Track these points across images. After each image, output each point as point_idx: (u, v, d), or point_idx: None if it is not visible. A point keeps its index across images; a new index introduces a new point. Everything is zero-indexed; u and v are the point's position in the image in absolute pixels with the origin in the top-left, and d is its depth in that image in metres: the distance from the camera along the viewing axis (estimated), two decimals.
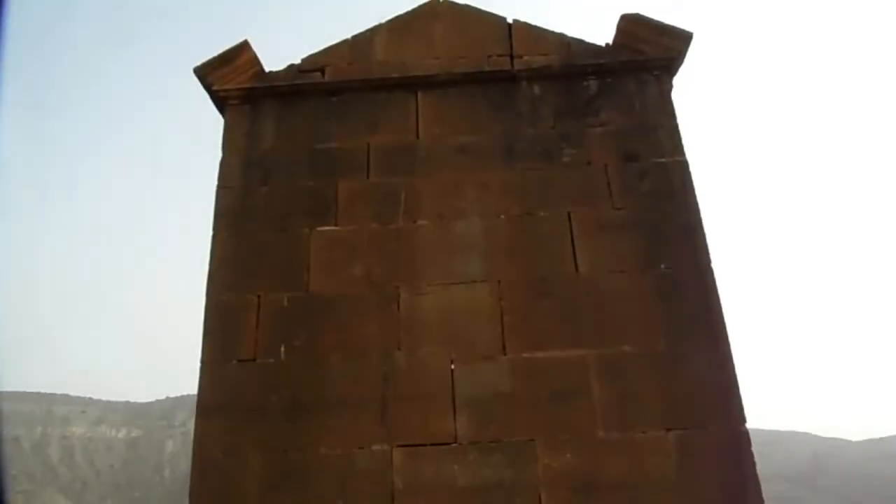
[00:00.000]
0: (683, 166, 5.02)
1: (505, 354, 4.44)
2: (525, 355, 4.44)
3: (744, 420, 4.33)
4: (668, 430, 4.26)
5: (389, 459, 4.19)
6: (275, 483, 4.21)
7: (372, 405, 4.33)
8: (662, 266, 4.69)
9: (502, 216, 4.87)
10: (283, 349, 4.54)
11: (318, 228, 4.90)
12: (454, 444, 4.22)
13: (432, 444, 4.22)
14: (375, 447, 4.24)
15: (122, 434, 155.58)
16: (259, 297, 4.71)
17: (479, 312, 4.55)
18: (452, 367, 4.41)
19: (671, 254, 4.72)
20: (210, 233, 4.99)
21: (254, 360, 4.54)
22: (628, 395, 4.33)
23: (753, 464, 4.24)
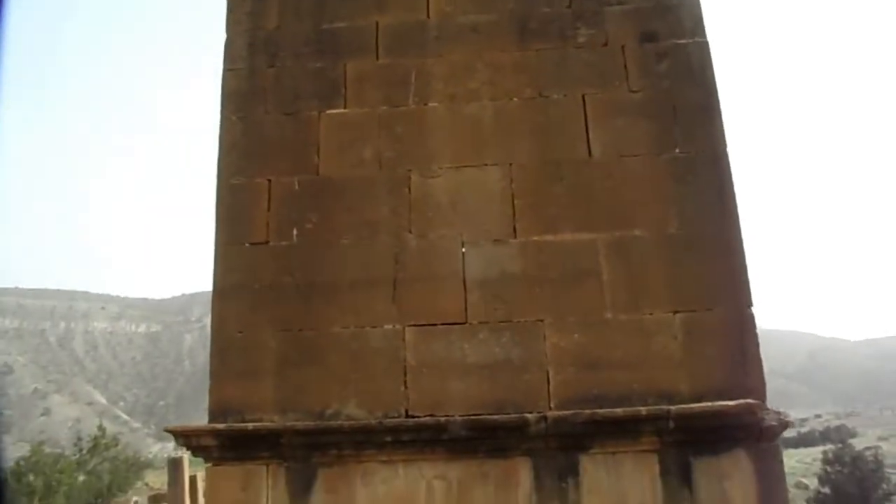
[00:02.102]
0: (703, 48, 4.82)
1: (515, 237, 4.46)
2: (535, 238, 4.46)
3: (750, 303, 4.39)
4: (676, 312, 4.34)
5: (401, 338, 4.32)
6: (291, 360, 4.37)
7: (384, 286, 4.41)
8: (677, 150, 4.61)
9: (515, 98, 4.75)
10: (295, 232, 4.58)
11: (328, 111, 4.80)
12: (464, 324, 4.33)
13: (443, 324, 4.33)
14: (388, 326, 4.36)
15: (142, 329, 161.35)
16: (269, 181, 4.70)
17: (491, 195, 4.54)
18: (463, 249, 4.45)
19: (687, 137, 4.63)
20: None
21: (266, 243, 4.59)
22: (637, 278, 4.38)
23: (757, 345, 4.33)
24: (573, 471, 4.09)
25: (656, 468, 4.10)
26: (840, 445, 17.27)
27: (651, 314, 4.33)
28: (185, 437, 4.26)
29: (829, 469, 16.07)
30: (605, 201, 4.53)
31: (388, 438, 4.06)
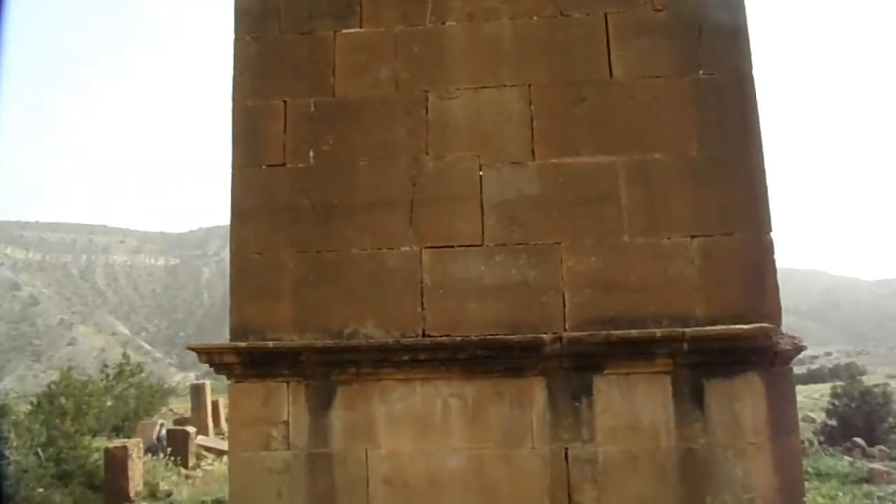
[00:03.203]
0: None
1: (534, 159, 4.41)
2: (554, 160, 4.40)
3: (770, 229, 4.35)
4: (694, 236, 4.31)
5: (418, 259, 4.35)
6: (309, 281, 4.42)
7: (401, 208, 4.41)
8: (701, 72, 4.47)
9: (535, 17, 4.59)
10: (311, 154, 4.55)
11: (343, 31, 4.69)
12: (481, 246, 4.34)
13: (460, 246, 4.35)
14: (405, 248, 4.38)
15: (160, 262, 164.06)
16: (285, 102, 4.65)
17: (509, 117, 4.46)
18: (481, 171, 4.41)
19: (711, 59, 4.48)
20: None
21: (283, 164, 4.58)
22: (656, 201, 4.34)
23: (775, 271, 4.32)
24: (587, 391, 4.18)
25: (669, 389, 4.17)
26: (849, 381, 17.40)
27: (669, 238, 4.31)
28: (207, 355, 4.37)
29: (836, 403, 16.24)
30: (625, 123, 4.44)
31: (406, 357, 4.15)
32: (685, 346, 4.06)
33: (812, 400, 19.69)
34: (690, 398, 4.16)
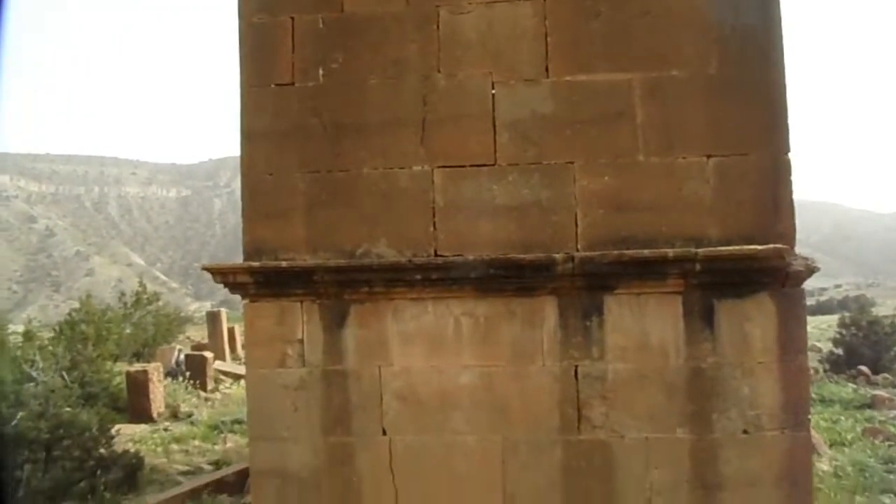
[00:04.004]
0: None
1: (548, 76, 4.29)
2: (568, 78, 4.29)
3: (787, 150, 4.26)
4: (709, 156, 4.23)
5: (430, 179, 4.32)
6: (320, 201, 4.41)
7: (412, 127, 4.34)
8: None
9: None
10: (320, 72, 4.46)
11: None
12: (493, 166, 4.29)
13: (472, 165, 4.30)
14: (416, 167, 4.34)
15: (172, 194, 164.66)
16: (293, 18, 4.51)
17: (523, 32, 4.32)
18: (493, 89, 4.31)
19: None
20: None
21: (292, 84, 4.49)
22: (672, 120, 4.25)
23: (791, 192, 4.26)
24: (598, 310, 4.21)
25: (680, 309, 4.19)
26: (858, 312, 17.44)
27: (684, 158, 4.24)
28: (221, 275, 4.42)
29: (843, 332, 16.31)
30: (642, 40, 4.30)
31: (418, 276, 4.18)
32: (697, 266, 4.06)
33: (819, 330, 19.80)
34: (700, 318, 4.19)
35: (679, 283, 4.15)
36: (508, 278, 4.16)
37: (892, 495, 6.29)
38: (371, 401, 4.31)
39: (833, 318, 20.50)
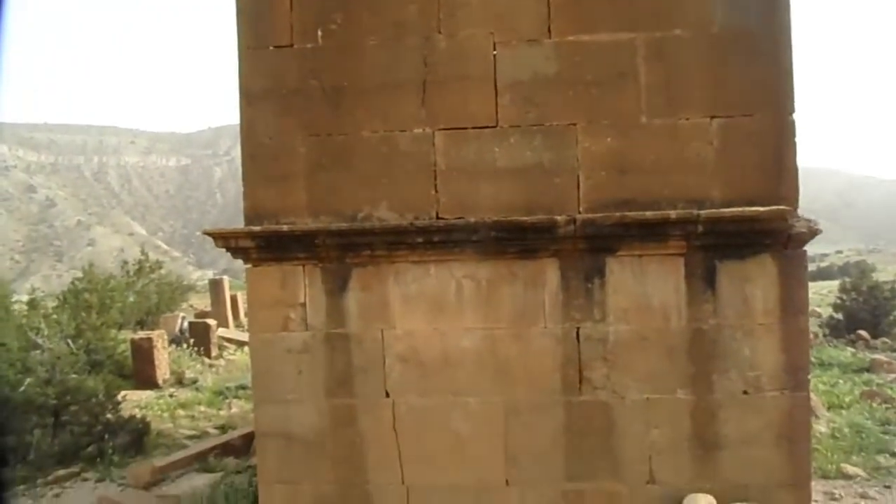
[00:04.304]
0: None
1: (550, 37, 4.23)
2: (571, 38, 4.22)
3: (792, 110, 4.22)
4: (713, 117, 4.19)
5: (431, 141, 4.29)
6: (321, 164, 4.39)
7: (412, 89, 4.30)
8: None
9: None
10: (319, 34, 4.39)
11: None
12: (495, 128, 4.25)
13: (473, 128, 4.27)
14: (417, 130, 4.30)
15: (172, 163, 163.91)
16: None
17: None
18: (494, 50, 4.25)
19: None
20: None
21: (291, 46, 4.43)
22: (675, 81, 4.20)
23: (795, 153, 4.23)
24: (600, 272, 4.22)
25: (681, 271, 4.20)
26: (858, 277, 17.42)
27: (687, 119, 4.20)
28: (223, 240, 4.42)
29: (843, 297, 16.32)
30: None
31: (420, 239, 4.18)
32: (699, 228, 4.05)
33: (820, 296, 19.82)
34: (702, 280, 4.20)
35: (681, 244, 4.15)
36: (510, 241, 4.15)
37: (887, 455, 6.37)
38: (374, 363, 4.35)
39: (833, 284, 20.51)
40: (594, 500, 4.28)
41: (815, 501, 4.54)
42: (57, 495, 6.52)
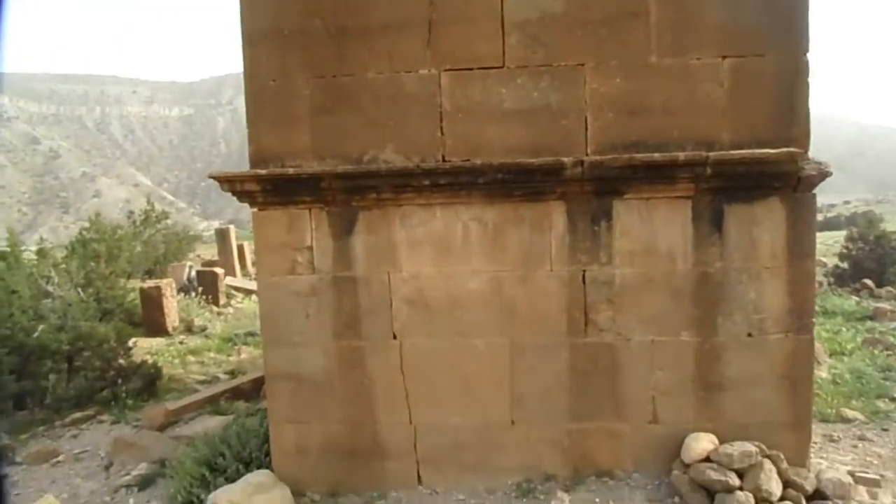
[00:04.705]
0: None
1: None
2: None
3: (806, 50, 4.12)
4: (724, 57, 4.10)
5: (437, 83, 4.22)
6: (326, 107, 4.33)
7: (417, 29, 4.20)
8: None
9: None
10: None
11: None
12: (502, 68, 4.18)
13: (480, 68, 4.19)
14: (422, 71, 4.23)
15: (174, 112, 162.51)
16: None
17: None
18: None
19: None
20: None
21: None
22: (686, 19, 4.09)
23: (807, 94, 4.14)
24: (606, 215, 4.20)
25: (689, 214, 4.18)
26: (866, 226, 17.30)
27: (698, 59, 4.11)
28: (229, 183, 4.40)
29: (850, 246, 16.26)
30: None
31: (426, 182, 4.15)
32: (708, 170, 4.01)
33: (826, 246, 19.76)
34: (709, 223, 4.18)
35: (689, 187, 4.12)
36: (517, 183, 4.13)
37: (886, 400, 6.43)
38: (381, 306, 4.39)
39: (840, 234, 20.41)
40: (597, 439, 4.37)
41: (814, 443, 4.61)
42: (75, 436, 6.69)
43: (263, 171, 4.30)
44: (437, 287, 4.34)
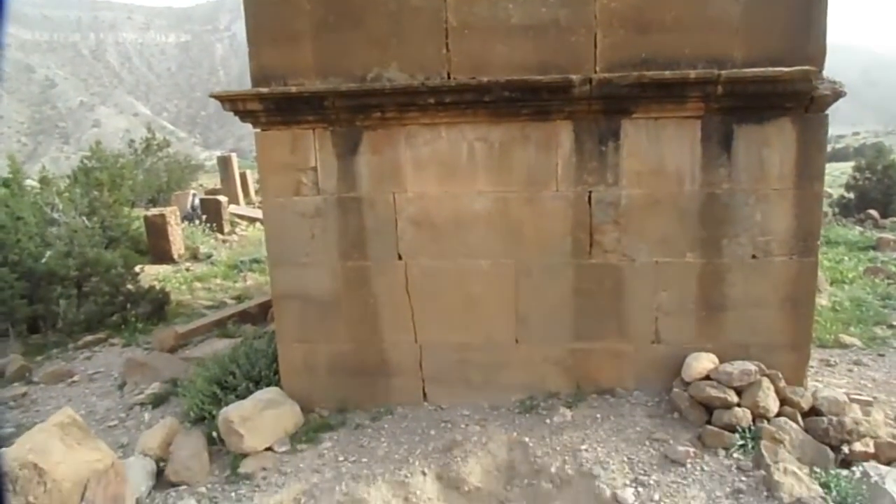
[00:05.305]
0: None
1: None
2: None
3: None
4: None
5: None
6: (328, 23, 4.21)
7: None
8: None
9: None
10: None
11: None
12: None
13: None
14: None
15: (171, 39, 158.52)
16: None
17: None
18: None
19: None
20: None
21: None
22: None
23: (825, 11, 4.00)
24: (614, 135, 4.14)
25: (698, 134, 4.12)
26: (874, 157, 17.08)
27: None
28: (230, 102, 4.33)
29: (857, 176, 16.13)
30: None
31: (431, 100, 4.08)
32: (719, 88, 3.93)
33: (832, 177, 19.59)
34: (718, 143, 4.12)
35: (699, 106, 4.04)
36: (524, 101, 4.05)
37: (884, 327, 6.51)
38: (386, 226, 4.39)
39: (847, 166, 20.21)
40: (600, 358, 4.45)
41: (811, 367, 4.69)
42: (88, 358, 6.85)
43: (265, 90, 4.22)
44: (443, 208, 4.33)
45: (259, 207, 15.74)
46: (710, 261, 4.26)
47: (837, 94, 4.09)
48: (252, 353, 5.16)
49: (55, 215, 9.15)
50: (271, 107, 4.26)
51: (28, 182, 12.77)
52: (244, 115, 4.38)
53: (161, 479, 4.10)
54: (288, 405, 4.50)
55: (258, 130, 4.46)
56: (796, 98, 4.00)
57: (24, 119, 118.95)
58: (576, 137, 4.15)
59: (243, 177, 17.57)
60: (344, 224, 4.43)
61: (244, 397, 4.54)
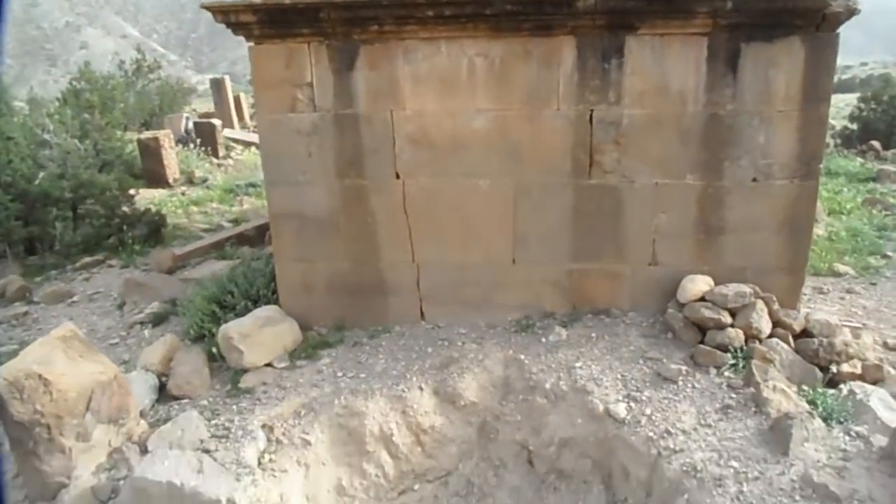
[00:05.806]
0: None
1: None
2: None
3: None
4: None
5: None
6: None
7: None
8: None
9: None
10: None
11: None
12: None
13: None
14: None
15: None
16: None
17: None
18: None
19: None
20: None
21: None
22: None
23: None
24: (618, 52, 4.03)
25: (704, 52, 4.01)
26: (880, 87, 16.75)
27: None
28: (223, 14, 4.18)
29: (862, 107, 15.86)
30: None
31: (430, 13, 3.94)
32: (728, 4, 3.80)
33: (836, 108, 19.25)
34: (724, 62, 4.02)
35: (707, 23, 3.91)
36: (526, 15, 3.91)
37: (878, 257, 6.54)
38: (384, 144, 4.33)
39: (852, 97, 19.85)
40: (597, 279, 4.48)
41: (803, 294, 4.73)
42: (86, 279, 6.88)
43: (259, 0, 4.06)
44: (441, 125, 4.25)
45: (254, 131, 15.51)
46: (710, 183, 4.23)
47: (851, 12, 3.95)
48: (250, 272, 5.18)
49: (46, 136, 8.99)
50: (265, 18, 4.12)
51: (17, 104, 12.49)
52: (237, 28, 4.23)
53: (163, 393, 4.19)
54: (286, 323, 4.55)
55: (251, 44, 4.32)
56: (807, 15, 3.88)
57: (8, 40, 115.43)
58: (578, 54, 4.04)
59: (237, 100, 17.22)
60: (341, 142, 4.36)
61: (243, 316, 4.58)
